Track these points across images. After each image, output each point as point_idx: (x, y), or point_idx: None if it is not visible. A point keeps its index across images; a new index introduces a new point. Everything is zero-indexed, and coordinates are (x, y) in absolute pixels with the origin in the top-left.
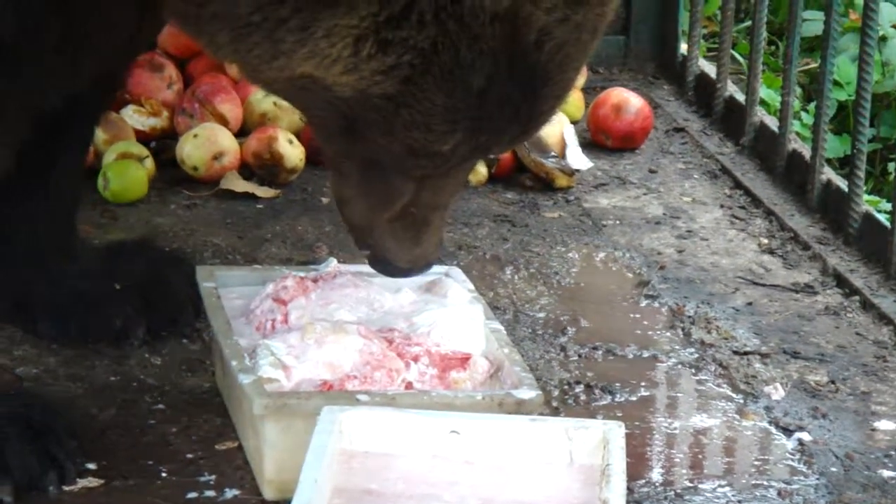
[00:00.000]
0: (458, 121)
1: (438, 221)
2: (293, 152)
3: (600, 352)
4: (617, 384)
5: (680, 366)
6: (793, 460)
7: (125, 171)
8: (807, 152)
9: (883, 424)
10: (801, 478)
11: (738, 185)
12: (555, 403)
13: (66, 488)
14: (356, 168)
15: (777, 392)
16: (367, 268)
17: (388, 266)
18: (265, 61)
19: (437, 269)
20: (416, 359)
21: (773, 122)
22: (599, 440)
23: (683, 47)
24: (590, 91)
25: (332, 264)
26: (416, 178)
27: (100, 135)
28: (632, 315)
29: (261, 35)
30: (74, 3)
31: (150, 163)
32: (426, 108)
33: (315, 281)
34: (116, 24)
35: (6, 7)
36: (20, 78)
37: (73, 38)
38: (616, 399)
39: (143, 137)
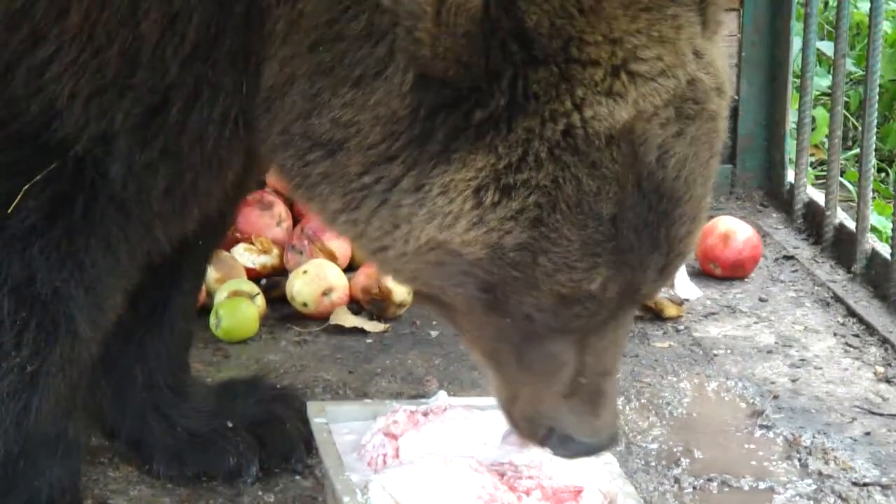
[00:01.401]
0: (598, 254)
1: (611, 389)
2: (401, 287)
3: (715, 483)
4: None
5: (798, 497)
6: None
7: (236, 309)
8: None
9: None
10: None
11: (850, 312)
12: None
13: None
14: (511, 352)
15: None
16: (477, 400)
17: (571, 445)
18: (387, 232)
19: None
20: (528, 492)
21: (884, 249)
22: None
23: (791, 175)
24: None
25: (443, 398)
26: (576, 340)
27: (211, 273)
28: (746, 446)
29: (375, 200)
30: (182, 150)
31: (260, 300)
32: (564, 247)
33: (426, 415)
34: (223, 168)
35: (115, 158)
36: (130, 224)
37: (181, 183)
38: None
39: (253, 275)
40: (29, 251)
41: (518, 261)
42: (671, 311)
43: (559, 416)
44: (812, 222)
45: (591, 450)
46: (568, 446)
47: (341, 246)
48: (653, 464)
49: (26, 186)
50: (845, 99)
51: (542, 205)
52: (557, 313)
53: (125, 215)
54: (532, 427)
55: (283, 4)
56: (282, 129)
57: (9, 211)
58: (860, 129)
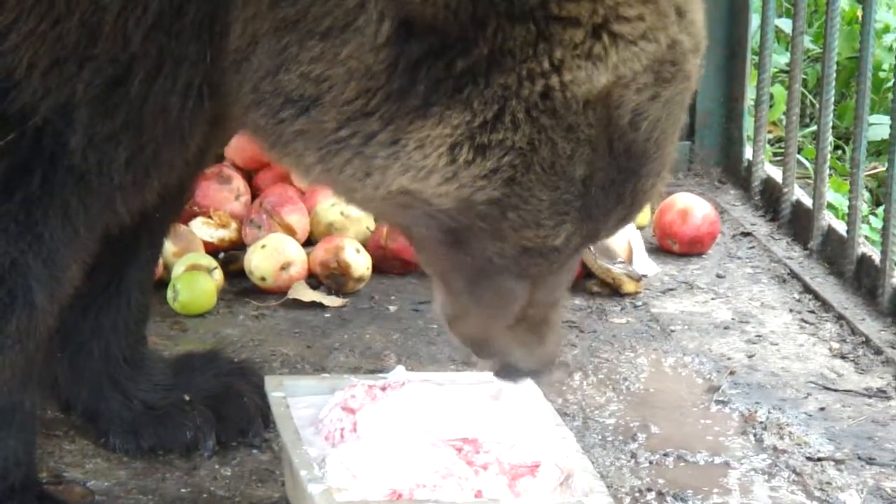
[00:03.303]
0: (566, 212)
1: (556, 317)
2: (360, 261)
3: (671, 458)
4: (689, 491)
5: (753, 472)
6: None
7: (194, 283)
8: (876, 256)
9: None
10: None
11: (807, 289)
12: None
13: None
14: (465, 281)
15: (853, 499)
16: (435, 376)
17: (514, 371)
18: (358, 179)
19: None
20: (485, 467)
21: (841, 226)
22: None
23: (748, 152)
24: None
25: (401, 372)
26: (531, 278)
27: (169, 247)
28: (703, 421)
29: (351, 151)
30: (145, 122)
31: (218, 274)
32: (534, 206)
33: (384, 389)
34: (186, 139)
35: (75, 129)
36: (89, 196)
37: (142, 155)
38: None
39: (211, 249)
40: None
41: (487, 214)
42: (629, 287)
43: (505, 346)
44: (769, 199)
45: (534, 376)
46: (510, 373)
47: (300, 220)
48: (609, 439)
49: None
50: (803, 76)
51: (517, 165)
52: (519, 261)
53: (84, 187)
54: (477, 349)
55: None
56: (252, 88)
57: None
58: (818, 106)
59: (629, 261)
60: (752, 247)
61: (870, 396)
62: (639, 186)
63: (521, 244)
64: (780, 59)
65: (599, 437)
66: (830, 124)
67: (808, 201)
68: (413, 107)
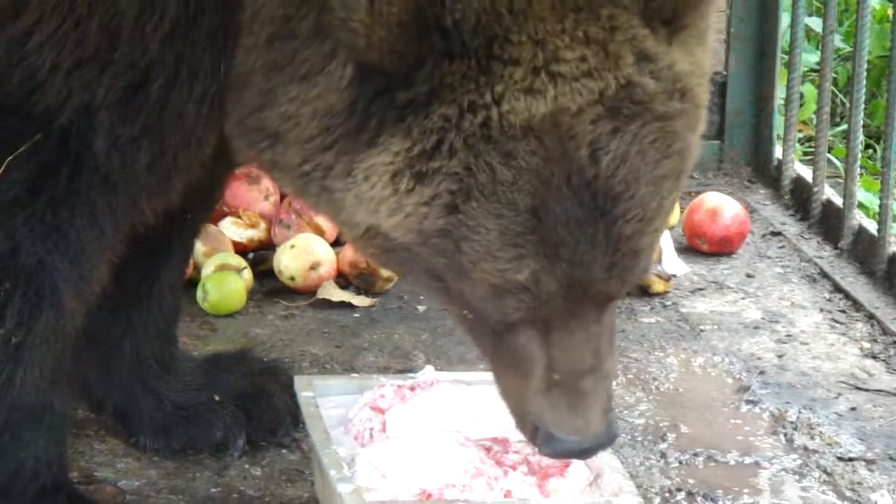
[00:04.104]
0: (520, 244)
1: (594, 388)
2: None
3: (701, 458)
4: (719, 491)
5: (783, 472)
6: None
7: (223, 283)
8: None
9: None
10: None
11: (837, 288)
12: None
13: None
14: (487, 343)
15: (884, 499)
16: (464, 375)
17: (555, 443)
18: (333, 216)
19: None
20: (514, 467)
21: (871, 225)
22: None
23: (778, 151)
24: (685, 196)
25: (430, 372)
26: (539, 334)
27: (198, 247)
28: (732, 421)
29: (316, 185)
30: (164, 127)
31: (247, 274)
32: (483, 236)
33: (413, 389)
34: (201, 145)
35: (98, 132)
36: (115, 196)
37: (163, 159)
38: None
39: (240, 249)
40: (12, 222)
41: (443, 247)
42: (658, 286)
43: (540, 411)
44: (799, 198)
45: (577, 450)
46: (552, 444)
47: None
48: (639, 439)
49: (10, 158)
50: (833, 75)
51: (455, 192)
52: (495, 304)
53: (110, 187)
54: (521, 422)
55: None
56: (238, 120)
57: None
58: (848, 105)
59: (658, 260)
60: (782, 246)
61: None
62: (616, 230)
63: (486, 279)
64: (811, 57)
65: (629, 436)
66: (861, 123)
67: (838, 200)
68: (364, 140)
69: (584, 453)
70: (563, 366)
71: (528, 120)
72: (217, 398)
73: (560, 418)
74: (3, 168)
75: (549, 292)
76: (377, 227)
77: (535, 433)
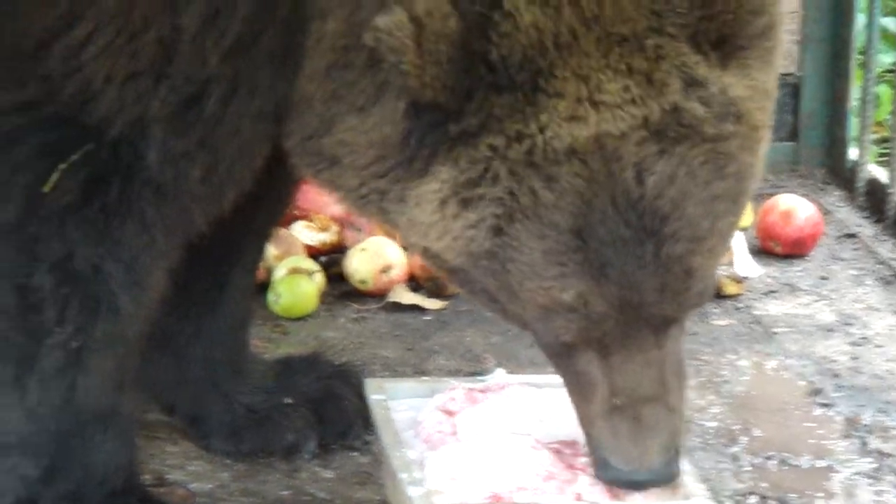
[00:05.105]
0: (564, 263)
1: (653, 418)
2: None
3: (774, 462)
4: (792, 495)
5: (857, 476)
6: None
7: (295, 286)
8: None
9: None
10: None
11: None
12: None
13: None
14: (554, 365)
15: None
16: (535, 378)
17: (607, 469)
18: (389, 228)
19: None
20: (585, 470)
21: None
22: None
23: (853, 152)
24: (758, 198)
25: (501, 375)
26: (598, 357)
27: (270, 251)
28: (805, 424)
29: (374, 207)
30: (218, 142)
31: (319, 277)
32: (527, 255)
33: (483, 392)
34: (256, 158)
35: (151, 145)
36: (166, 206)
37: (217, 172)
38: None
39: (312, 252)
40: (66, 229)
41: (492, 269)
42: (731, 288)
43: (598, 435)
44: (874, 200)
45: (629, 481)
46: (606, 470)
47: None
48: (711, 442)
49: (62, 166)
50: None
51: (500, 215)
52: (546, 325)
53: (161, 198)
54: (587, 443)
55: (316, 20)
56: (298, 142)
57: (45, 190)
58: None
59: (731, 262)
60: (857, 248)
61: None
62: (665, 250)
63: (533, 299)
64: (886, 58)
65: (700, 439)
66: None
67: None
68: (416, 170)
69: (637, 486)
70: (621, 390)
71: (572, 143)
72: (288, 401)
73: (616, 446)
74: (55, 176)
75: (598, 313)
76: (429, 249)
77: (595, 458)
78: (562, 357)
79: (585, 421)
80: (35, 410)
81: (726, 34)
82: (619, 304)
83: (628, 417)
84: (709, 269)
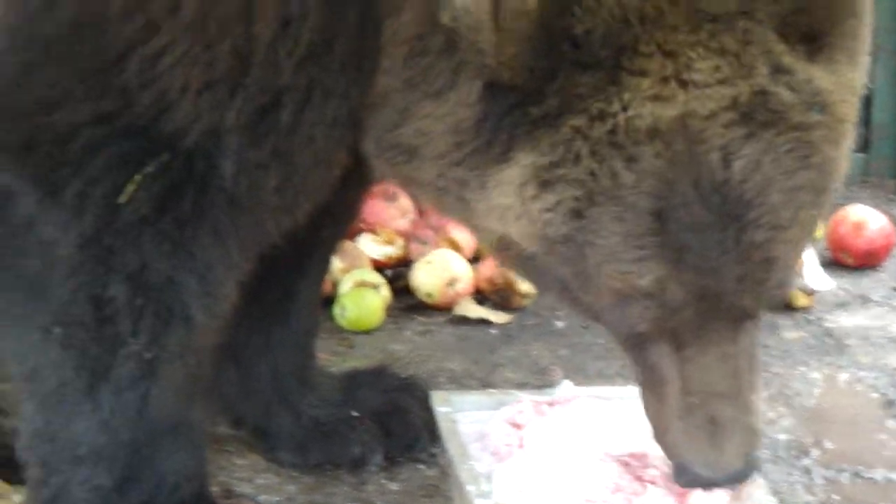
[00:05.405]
0: (643, 246)
1: (730, 418)
2: None
3: (847, 474)
4: None
5: None
6: None
7: (361, 300)
8: None
9: None
10: None
11: None
12: None
13: None
14: (625, 352)
15: None
16: (603, 390)
17: (685, 472)
18: (468, 223)
19: None
20: (654, 482)
21: None
22: None
23: None
24: (829, 209)
25: (568, 388)
26: (673, 351)
27: (336, 264)
28: (879, 436)
29: (452, 197)
30: (293, 151)
31: (385, 290)
32: (606, 238)
33: (550, 405)
34: (331, 167)
35: (226, 155)
36: (240, 217)
37: (292, 181)
38: None
39: (378, 266)
40: (141, 240)
41: (568, 254)
42: (802, 301)
43: (674, 437)
44: None
45: (708, 483)
46: (684, 474)
47: (466, 236)
48: (782, 455)
49: (137, 177)
50: None
51: (579, 197)
52: (621, 313)
53: (235, 208)
54: (660, 444)
55: (392, 16)
56: (376, 139)
57: (120, 201)
58: None
59: (801, 274)
60: None
61: None
62: (746, 237)
63: (609, 284)
64: None
65: (772, 452)
66: None
67: None
68: (495, 154)
69: (716, 486)
70: (696, 386)
71: (655, 123)
72: (355, 414)
73: (693, 449)
74: (130, 188)
75: (676, 301)
76: (507, 235)
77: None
78: (634, 349)
79: (658, 422)
80: (108, 421)
81: (816, 29)
82: (696, 292)
83: (703, 417)
84: (789, 260)
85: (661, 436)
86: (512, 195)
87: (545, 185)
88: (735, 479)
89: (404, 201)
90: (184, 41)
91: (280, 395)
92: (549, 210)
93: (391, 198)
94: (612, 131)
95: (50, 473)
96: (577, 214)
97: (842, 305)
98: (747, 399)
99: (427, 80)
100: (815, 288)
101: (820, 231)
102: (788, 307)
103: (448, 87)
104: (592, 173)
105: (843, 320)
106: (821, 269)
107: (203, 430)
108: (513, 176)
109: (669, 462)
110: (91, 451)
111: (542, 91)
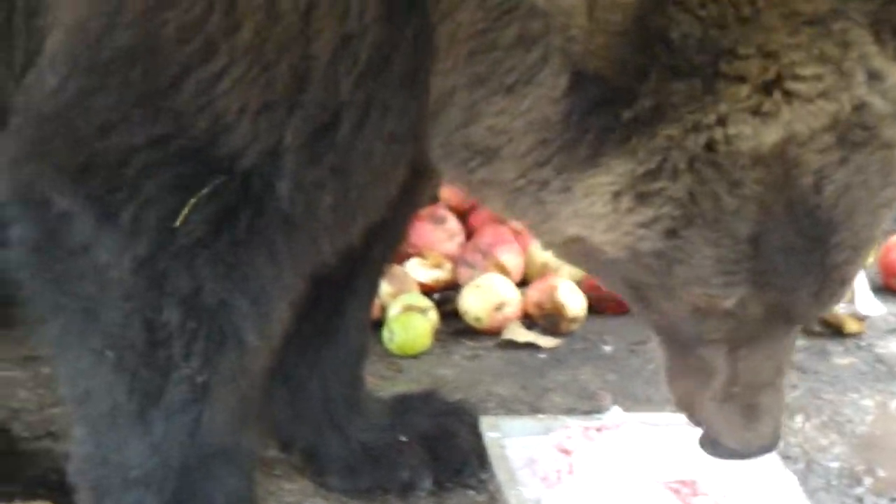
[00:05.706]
0: (734, 272)
1: (769, 401)
2: (575, 301)
3: None
4: None
5: None
6: None
7: (410, 324)
8: None
9: None
10: None
11: None
12: None
13: None
14: (665, 342)
15: None
16: (652, 417)
17: (717, 447)
18: (538, 223)
19: None
20: None
21: None
22: None
23: None
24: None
25: (617, 413)
26: (727, 349)
27: (384, 288)
28: None
29: (528, 198)
30: (350, 168)
31: (433, 314)
32: (698, 262)
33: (600, 430)
34: (388, 182)
35: (283, 175)
36: (295, 237)
37: (347, 199)
38: None
39: (426, 289)
40: (195, 263)
41: (655, 267)
42: (852, 326)
43: (712, 419)
44: None
45: (740, 456)
46: (715, 449)
47: (514, 260)
48: (834, 483)
49: (192, 200)
50: None
51: (677, 217)
52: (696, 324)
53: (291, 229)
54: (687, 413)
55: (446, 20)
56: (444, 140)
57: (175, 224)
58: None
59: (852, 300)
60: None
61: None
62: (830, 259)
63: (692, 301)
64: None
65: (823, 480)
66: None
67: None
68: (583, 156)
69: (746, 457)
70: (744, 380)
71: (758, 147)
72: (404, 438)
73: (731, 431)
74: (186, 211)
75: (751, 316)
76: (588, 239)
77: (702, 433)
78: (687, 345)
79: (693, 402)
80: (160, 445)
81: None
82: (773, 308)
83: (744, 404)
84: (854, 276)
85: (690, 410)
86: (604, 204)
87: (642, 198)
88: (763, 453)
89: (452, 224)
90: (242, 63)
91: (329, 418)
92: (644, 226)
93: (439, 221)
94: (709, 146)
95: (101, 497)
96: (673, 233)
97: (893, 331)
98: (779, 384)
99: (497, 74)
100: (866, 313)
101: (871, 256)
102: (839, 333)
103: (524, 81)
104: (692, 194)
105: (895, 347)
106: (871, 294)
107: (253, 453)
108: (605, 183)
109: (690, 422)
110: (142, 475)
111: (633, 91)
